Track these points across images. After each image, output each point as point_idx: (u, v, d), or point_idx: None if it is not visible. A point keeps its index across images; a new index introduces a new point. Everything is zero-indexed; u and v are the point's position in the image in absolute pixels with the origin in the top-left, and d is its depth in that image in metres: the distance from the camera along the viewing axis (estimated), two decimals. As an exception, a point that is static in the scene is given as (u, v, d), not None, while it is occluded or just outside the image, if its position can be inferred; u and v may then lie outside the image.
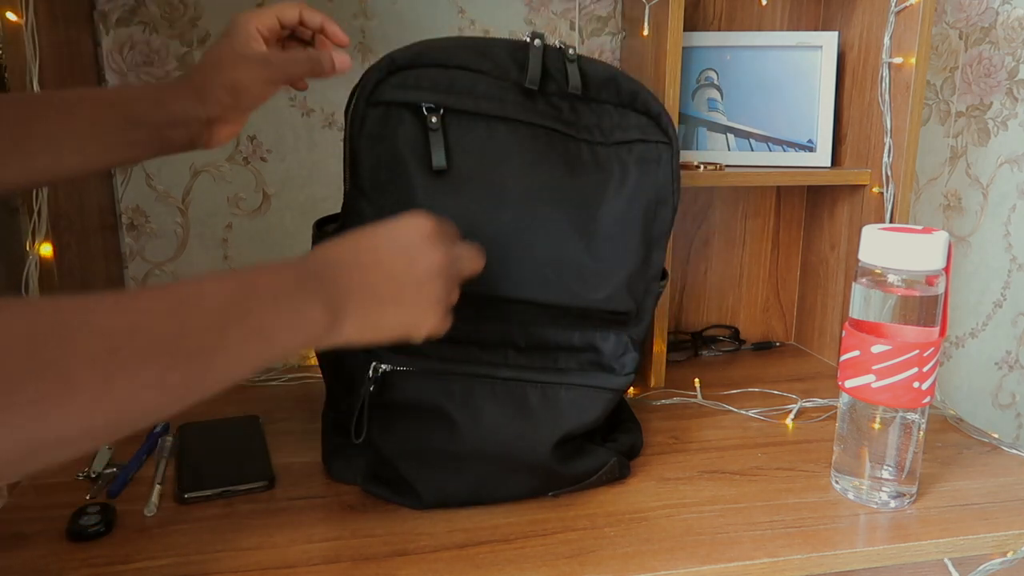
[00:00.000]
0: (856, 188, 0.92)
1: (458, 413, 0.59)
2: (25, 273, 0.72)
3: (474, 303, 0.62)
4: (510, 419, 0.60)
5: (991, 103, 1.10)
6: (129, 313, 0.35)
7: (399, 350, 0.59)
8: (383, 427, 0.61)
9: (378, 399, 0.60)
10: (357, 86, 0.62)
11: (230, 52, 0.60)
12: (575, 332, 0.64)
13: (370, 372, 0.59)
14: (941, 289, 0.60)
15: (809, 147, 0.93)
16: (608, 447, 0.66)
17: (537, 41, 0.63)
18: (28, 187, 0.58)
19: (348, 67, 0.62)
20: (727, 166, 0.88)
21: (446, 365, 0.60)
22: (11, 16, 0.66)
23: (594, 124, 0.65)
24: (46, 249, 0.72)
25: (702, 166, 0.87)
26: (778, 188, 1.04)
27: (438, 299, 0.50)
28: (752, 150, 0.93)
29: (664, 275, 0.69)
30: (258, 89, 0.61)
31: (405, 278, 0.48)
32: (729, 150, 0.93)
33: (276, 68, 0.61)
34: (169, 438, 0.73)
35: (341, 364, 0.66)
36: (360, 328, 0.47)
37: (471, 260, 0.54)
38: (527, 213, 0.61)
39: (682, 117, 0.92)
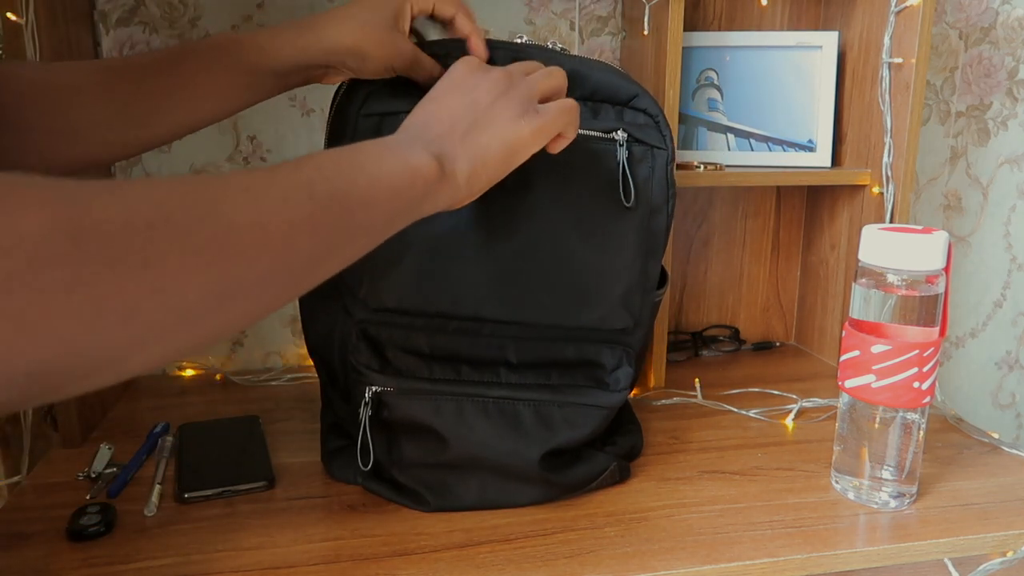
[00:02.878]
0: (856, 188, 0.92)
1: (449, 431, 0.59)
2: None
3: (468, 324, 0.62)
4: (502, 437, 0.60)
5: (991, 103, 1.10)
6: (259, 171, 0.38)
7: (388, 371, 0.60)
8: (382, 443, 0.61)
9: (375, 418, 0.60)
10: (342, 95, 0.62)
11: (374, 19, 0.59)
12: (569, 346, 0.64)
13: (366, 396, 0.59)
14: (941, 289, 0.60)
15: (809, 147, 0.93)
16: (607, 451, 0.66)
17: (525, 38, 0.63)
18: (160, 144, 0.60)
19: None
20: (727, 166, 0.88)
21: (435, 385, 0.60)
22: (11, 16, 0.66)
23: (590, 121, 0.63)
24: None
25: (702, 166, 0.87)
26: (778, 188, 1.04)
27: (517, 111, 0.50)
28: (752, 150, 0.93)
29: (663, 281, 0.68)
30: (380, 68, 0.60)
31: (475, 105, 0.50)
32: (729, 150, 0.93)
33: (404, 64, 0.59)
34: (169, 438, 0.73)
35: (333, 371, 0.66)
36: (470, 164, 0.48)
37: (548, 78, 0.54)
38: (522, 233, 0.61)
39: (682, 117, 0.92)
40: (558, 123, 0.52)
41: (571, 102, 0.53)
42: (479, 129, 0.49)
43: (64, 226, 0.27)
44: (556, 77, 0.54)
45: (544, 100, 0.53)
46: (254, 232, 0.35)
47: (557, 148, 0.54)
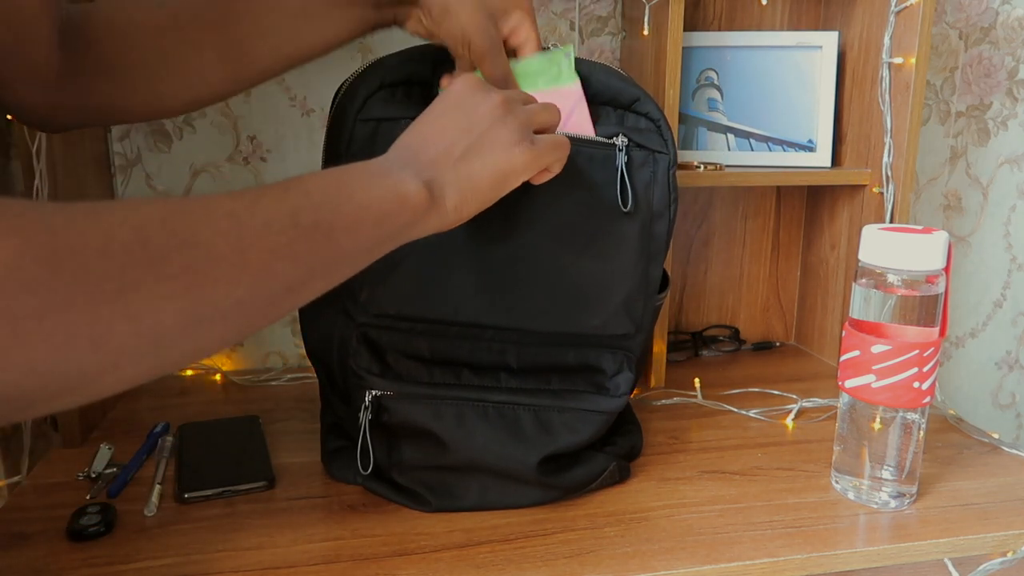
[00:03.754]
0: (856, 188, 0.92)
1: (449, 436, 0.59)
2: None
3: (469, 330, 0.62)
4: (502, 442, 0.60)
5: (991, 103, 1.10)
6: (244, 195, 0.38)
7: (388, 375, 0.60)
8: (382, 446, 0.61)
9: (375, 422, 0.60)
10: (342, 97, 0.62)
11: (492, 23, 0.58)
12: (570, 351, 0.64)
13: (366, 400, 0.59)
14: (941, 289, 0.60)
15: (809, 147, 0.93)
16: (607, 451, 0.66)
17: None
18: (266, 80, 0.60)
19: None
20: (727, 166, 0.88)
21: (435, 390, 0.60)
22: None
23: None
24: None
25: (702, 166, 0.87)
26: (778, 188, 1.04)
27: (513, 138, 0.49)
28: (752, 150, 0.93)
29: (665, 285, 0.68)
30: (456, 34, 0.58)
31: (472, 129, 0.49)
32: (729, 150, 0.93)
33: (481, 47, 0.58)
34: (169, 438, 0.73)
35: (332, 373, 0.66)
36: (460, 192, 0.48)
37: (544, 111, 0.54)
38: (522, 240, 0.60)
39: (682, 117, 0.92)
40: (550, 157, 0.52)
41: (563, 138, 0.54)
42: (474, 154, 0.48)
43: (37, 252, 0.27)
44: (551, 112, 0.55)
45: (538, 132, 0.53)
46: (233, 259, 0.35)
47: (540, 180, 0.54)
